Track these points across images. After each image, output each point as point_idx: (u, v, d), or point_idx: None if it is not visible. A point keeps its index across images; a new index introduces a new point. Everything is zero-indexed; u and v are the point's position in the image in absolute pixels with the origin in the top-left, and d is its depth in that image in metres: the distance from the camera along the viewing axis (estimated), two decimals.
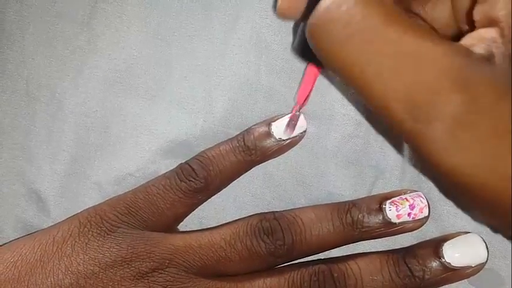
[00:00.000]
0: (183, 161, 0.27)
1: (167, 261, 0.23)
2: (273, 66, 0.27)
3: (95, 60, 0.28)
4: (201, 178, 0.25)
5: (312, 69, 0.23)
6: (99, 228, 0.24)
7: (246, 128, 0.27)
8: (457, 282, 0.25)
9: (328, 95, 0.27)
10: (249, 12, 0.27)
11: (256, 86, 0.27)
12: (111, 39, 0.28)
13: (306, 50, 0.21)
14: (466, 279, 0.25)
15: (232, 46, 0.27)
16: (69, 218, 0.25)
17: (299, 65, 0.27)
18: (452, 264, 0.24)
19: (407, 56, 0.17)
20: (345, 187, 0.27)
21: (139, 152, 0.27)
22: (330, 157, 0.27)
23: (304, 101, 0.25)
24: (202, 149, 0.27)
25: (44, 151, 0.28)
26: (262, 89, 0.27)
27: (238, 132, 0.27)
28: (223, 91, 0.27)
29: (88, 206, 0.27)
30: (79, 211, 0.26)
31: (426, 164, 0.18)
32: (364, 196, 0.26)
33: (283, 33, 0.27)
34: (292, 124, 0.26)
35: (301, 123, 0.26)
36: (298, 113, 0.25)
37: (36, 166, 0.28)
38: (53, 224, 0.27)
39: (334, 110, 0.27)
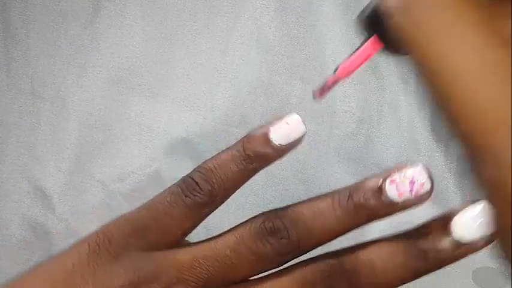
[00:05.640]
0: (184, 159, 0.27)
1: (174, 279, 0.23)
2: (274, 64, 0.27)
3: (98, 59, 0.28)
4: (205, 192, 0.25)
5: (374, 44, 0.21)
6: (107, 253, 0.24)
7: (246, 125, 0.27)
8: (461, 281, 0.24)
9: (329, 92, 0.27)
10: (250, 10, 0.27)
11: (257, 83, 0.27)
12: (114, 37, 0.28)
13: (375, 22, 0.20)
14: (471, 279, 0.24)
15: (233, 43, 0.27)
16: (79, 241, 0.25)
17: (300, 61, 0.27)
18: (465, 238, 0.23)
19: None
20: (347, 185, 0.27)
21: (142, 149, 0.28)
22: (332, 155, 0.27)
23: (348, 74, 0.23)
24: (203, 147, 0.27)
25: (49, 149, 0.28)
26: (263, 86, 0.27)
27: (238, 130, 0.27)
28: (224, 88, 0.27)
29: (92, 203, 0.27)
30: (83, 208, 0.27)
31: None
32: None
33: (285, 31, 0.27)
34: (323, 89, 0.24)
35: (300, 128, 0.26)
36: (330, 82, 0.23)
37: (41, 164, 0.28)
38: (57, 220, 0.27)
39: (335, 107, 0.27)
